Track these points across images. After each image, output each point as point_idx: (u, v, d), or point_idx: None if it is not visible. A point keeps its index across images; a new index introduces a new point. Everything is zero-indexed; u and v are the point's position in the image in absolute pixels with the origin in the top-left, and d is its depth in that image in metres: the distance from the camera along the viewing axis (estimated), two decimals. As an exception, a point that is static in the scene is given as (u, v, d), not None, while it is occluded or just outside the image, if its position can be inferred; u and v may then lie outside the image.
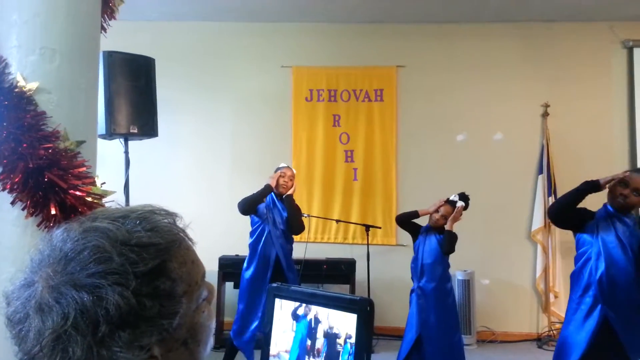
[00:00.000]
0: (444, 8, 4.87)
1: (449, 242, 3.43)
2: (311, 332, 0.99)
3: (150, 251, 0.59)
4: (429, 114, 5.21)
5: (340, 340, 0.94)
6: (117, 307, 0.55)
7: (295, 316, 1.01)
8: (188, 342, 0.64)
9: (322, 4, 4.85)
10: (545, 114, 5.14)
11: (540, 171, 5.07)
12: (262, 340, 1.08)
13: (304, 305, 1.00)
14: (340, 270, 4.62)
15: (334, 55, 5.27)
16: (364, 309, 0.92)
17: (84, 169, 1.79)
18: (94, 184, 1.81)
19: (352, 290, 4.58)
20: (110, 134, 3.36)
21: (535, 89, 5.17)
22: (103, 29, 2.10)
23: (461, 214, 3.50)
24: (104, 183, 1.88)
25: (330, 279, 4.68)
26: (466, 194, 3.59)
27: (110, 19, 2.10)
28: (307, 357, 0.99)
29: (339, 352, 0.94)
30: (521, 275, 5.11)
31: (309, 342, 0.99)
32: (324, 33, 5.29)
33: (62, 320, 0.55)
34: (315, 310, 0.99)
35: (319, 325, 0.98)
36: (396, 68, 5.22)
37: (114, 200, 1.78)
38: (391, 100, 5.23)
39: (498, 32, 5.23)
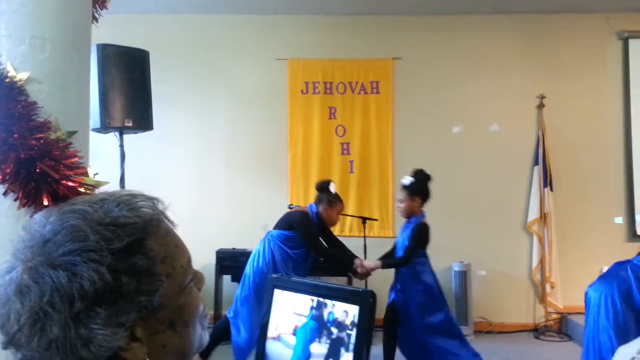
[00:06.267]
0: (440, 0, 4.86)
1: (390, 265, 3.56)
2: (315, 322, 0.99)
3: (126, 229, 0.60)
4: (425, 106, 5.20)
5: (342, 331, 0.95)
6: (92, 283, 0.55)
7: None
8: (175, 324, 0.64)
9: (317, -5, 4.83)
10: (540, 106, 5.14)
11: (536, 162, 5.07)
12: (260, 329, 1.07)
13: (315, 300, 1.00)
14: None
15: (330, 47, 5.24)
16: (366, 301, 0.94)
17: (76, 159, 1.77)
18: (86, 174, 1.80)
19: (349, 283, 4.58)
20: (105, 128, 3.34)
21: (531, 81, 5.17)
22: (94, 19, 2.09)
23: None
24: (97, 174, 1.87)
25: (327, 271, 4.67)
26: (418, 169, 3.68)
27: (101, 9, 2.08)
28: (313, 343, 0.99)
29: (341, 342, 0.94)
30: (518, 266, 5.12)
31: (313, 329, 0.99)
32: (319, 25, 5.26)
33: (39, 299, 0.55)
34: (317, 300, 1.00)
35: (321, 315, 0.99)
36: (392, 60, 5.21)
37: (107, 191, 1.77)
38: (387, 93, 5.21)
39: (494, 23, 5.21)
